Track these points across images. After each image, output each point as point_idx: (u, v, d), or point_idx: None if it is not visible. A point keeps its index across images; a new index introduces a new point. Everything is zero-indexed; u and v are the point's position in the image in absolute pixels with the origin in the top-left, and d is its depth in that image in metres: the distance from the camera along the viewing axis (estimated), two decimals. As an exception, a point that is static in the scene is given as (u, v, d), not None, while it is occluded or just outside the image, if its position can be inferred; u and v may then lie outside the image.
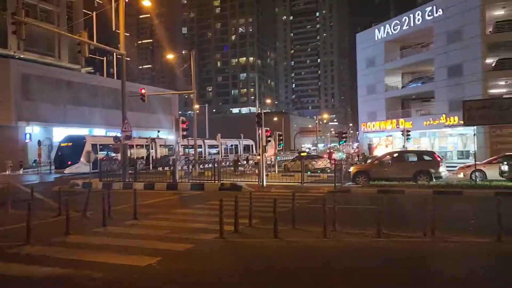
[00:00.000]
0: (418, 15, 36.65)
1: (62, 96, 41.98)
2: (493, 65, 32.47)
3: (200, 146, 47.42)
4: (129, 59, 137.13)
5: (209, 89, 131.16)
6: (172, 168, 19.20)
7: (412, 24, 37.35)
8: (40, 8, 46.27)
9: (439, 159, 17.31)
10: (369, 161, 24.13)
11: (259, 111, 20.88)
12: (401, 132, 34.82)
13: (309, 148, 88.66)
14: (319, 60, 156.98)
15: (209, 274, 5.68)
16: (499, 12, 32.78)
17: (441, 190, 14.15)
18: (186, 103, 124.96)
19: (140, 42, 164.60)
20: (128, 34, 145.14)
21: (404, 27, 38.18)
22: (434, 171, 16.94)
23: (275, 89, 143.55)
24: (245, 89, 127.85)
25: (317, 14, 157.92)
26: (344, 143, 36.20)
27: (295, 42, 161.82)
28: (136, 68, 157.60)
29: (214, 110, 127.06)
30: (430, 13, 35.46)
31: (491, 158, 20.18)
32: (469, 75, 32.38)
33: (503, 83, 33.55)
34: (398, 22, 38.91)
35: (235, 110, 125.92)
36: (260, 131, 17.45)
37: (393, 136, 39.69)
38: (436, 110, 35.79)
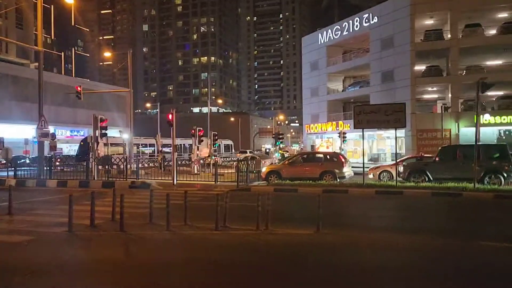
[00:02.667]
0: (356, 21, 38.13)
1: (7, 91, 40.97)
2: (422, 71, 34.31)
3: (153, 145, 47.38)
4: (88, 55, 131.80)
5: (170, 88, 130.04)
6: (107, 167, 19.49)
7: (351, 30, 38.82)
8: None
9: (343, 160, 18.31)
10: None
11: (168, 111, 21.10)
12: (338, 134, 36.26)
13: (269, 149, 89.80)
14: (282, 61, 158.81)
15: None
16: (428, 22, 34.69)
17: (330, 189, 15.07)
18: (146, 102, 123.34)
19: (100, 38, 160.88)
20: (87, 30, 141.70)
21: (344, 33, 39.61)
22: (338, 171, 17.94)
23: (237, 89, 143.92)
24: (206, 89, 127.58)
25: (281, 16, 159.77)
26: (281, 144, 37.15)
27: (258, 43, 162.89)
28: (96, 65, 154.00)
29: (175, 109, 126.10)
30: (366, 20, 36.99)
31: (399, 160, 21.51)
32: (400, 81, 34.08)
33: (430, 89, 35.51)
34: (339, 27, 40.32)
35: (196, 110, 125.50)
36: (171, 131, 17.77)
37: (333, 138, 41.07)
38: (371, 113, 37.32)
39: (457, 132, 31.88)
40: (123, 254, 6.75)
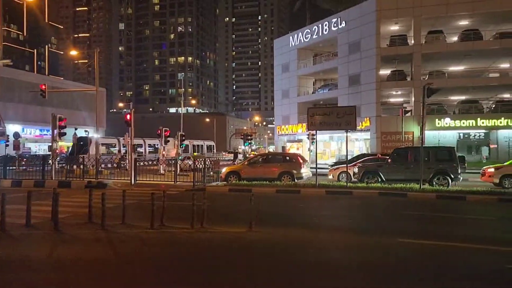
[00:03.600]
0: (325, 25, 38.84)
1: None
2: (387, 76, 35.25)
3: (140, 146, 47.05)
4: (62, 53, 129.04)
5: (146, 88, 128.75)
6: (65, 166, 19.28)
7: (320, 34, 39.51)
8: None
9: (301, 161, 18.72)
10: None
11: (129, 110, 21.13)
12: (307, 136, 36.82)
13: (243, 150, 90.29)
14: (259, 63, 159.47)
15: None
16: (394, 27, 35.68)
17: (284, 189, 15.44)
18: (122, 101, 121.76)
19: (76, 36, 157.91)
20: (61, 27, 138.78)
21: (314, 36, 40.27)
22: (296, 172, 18.35)
23: (214, 90, 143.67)
24: (182, 89, 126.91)
25: (259, 17, 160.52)
26: (249, 145, 37.42)
27: (236, 44, 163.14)
28: (71, 63, 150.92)
29: (150, 109, 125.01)
30: (335, 24, 37.74)
31: (357, 161, 22.10)
32: (366, 84, 34.91)
33: (395, 92, 36.52)
34: (309, 31, 40.97)
35: (173, 110, 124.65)
36: (129, 131, 17.80)
37: (303, 140, 41.64)
38: (339, 116, 38.09)
39: (419, 135, 32.83)
40: (45, 252, 6.81)
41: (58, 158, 33.79)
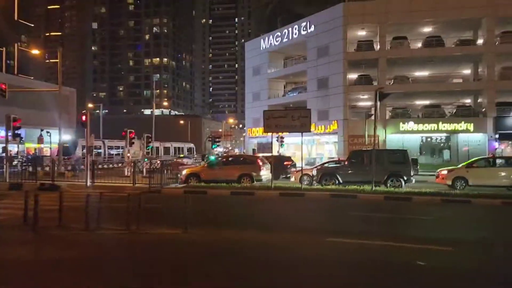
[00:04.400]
0: (295, 29, 39.30)
1: None
2: (354, 80, 35.95)
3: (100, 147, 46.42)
4: (31, 51, 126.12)
5: (121, 89, 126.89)
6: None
7: (290, 37, 39.94)
8: None
9: (260, 163, 18.89)
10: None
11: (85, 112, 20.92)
12: (276, 139, 37.08)
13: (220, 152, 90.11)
14: (236, 65, 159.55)
15: None
16: (361, 33, 36.42)
17: (239, 191, 15.57)
18: (95, 102, 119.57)
19: (47, 34, 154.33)
20: (32, 25, 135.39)
21: (284, 40, 40.68)
22: (255, 174, 18.52)
23: (190, 91, 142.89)
24: (158, 91, 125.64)
25: (236, 20, 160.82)
26: (217, 147, 37.46)
27: (213, 46, 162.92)
28: (44, 62, 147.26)
29: (125, 111, 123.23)
30: (304, 28, 38.23)
31: (318, 164, 22.46)
32: (333, 88, 35.49)
33: (363, 96, 37.23)
34: (279, 34, 41.36)
35: (148, 111, 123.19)
36: (86, 132, 17.57)
37: (273, 142, 41.84)
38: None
39: (384, 138, 33.62)
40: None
41: (21, 160, 33.07)
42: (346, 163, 18.50)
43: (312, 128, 37.24)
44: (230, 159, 20.86)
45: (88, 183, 17.00)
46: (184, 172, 19.32)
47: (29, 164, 28.09)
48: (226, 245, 7.51)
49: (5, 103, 49.88)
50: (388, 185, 17.43)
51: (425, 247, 7.33)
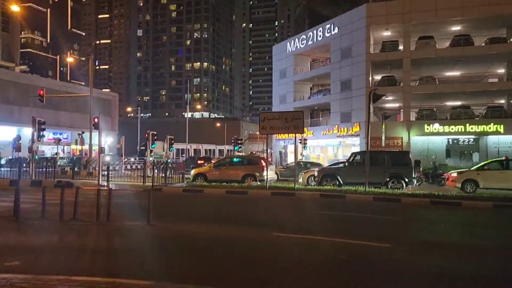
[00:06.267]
0: (319, 31, 39.35)
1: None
2: (377, 81, 35.45)
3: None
4: (83, 58, 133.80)
5: (163, 93, 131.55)
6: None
7: (315, 40, 40.04)
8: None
9: (264, 164, 19.39)
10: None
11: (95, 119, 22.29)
12: (299, 141, 37.36)
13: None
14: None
15: None
16: (386, 33, 35.84)
17: (234, 190, 16.18)
18: (139, 106, 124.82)
19: (98, 42, 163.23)
20: (84, 34, 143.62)
21: (309, 42, 40.83)
22: (258, 175, 19.07)
23: (230, 95, 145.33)
24: (198, 94, 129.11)
25: (276, 23, 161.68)
26: (240, 149, 38.17)
27: (253, 50, 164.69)
28: (93, 68, 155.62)
29: (167, 114, 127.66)
30: (328, 31, 38.21)
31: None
32: (356, 90, 35.19)
33: (388, 98, 36.53)
34: (305, 37, 41.55)
35: (188, 115, 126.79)
36: (99, 134, 18.91)
37: (297, 144, 42.08)
38: (331, 121, 38.51)
39: (408, 140, 32.91)
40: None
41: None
42: (346, 164, 18.57)
43: (335, 130, 37.34)
44: (235, 160, 21.51)
45: (101, 182, 18.28)
46: (192, 172, 20.24)
47: (70, 164, 30.29)
48: (177, 235, 8.18)
49: (54, 108, 53.71)
50: (389, 186, 17.37)
51: (365, 243, 7.57)
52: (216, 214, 11.42)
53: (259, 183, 18.70)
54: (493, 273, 5.99)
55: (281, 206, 13.31)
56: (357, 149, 39.43)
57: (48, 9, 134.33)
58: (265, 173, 19.16)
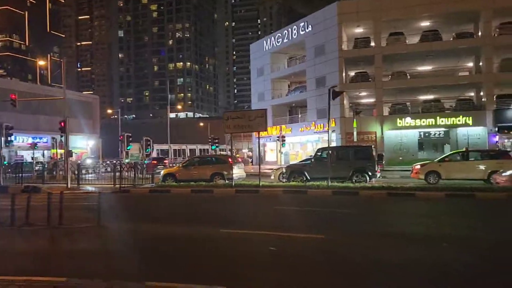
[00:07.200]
0: (294, 29, 39.82)
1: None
2: (351, 77, 36.07)
3: None
4: (62, 60, 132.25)
5: (146, 94, 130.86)
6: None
7: (290, 38, 40.50)
8: None
9: (232, 163, 19.70)
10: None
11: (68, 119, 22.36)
12: (277, 138, 37.87)
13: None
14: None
15: None
16: (358, 30, 36.48)
17: (200, 189, 16.47)
18: (122, 108, 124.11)
19: (79, 44, 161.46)
20: (64, 36, 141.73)
21: (285, 40, 41.27)
22: (226, 173, 19.37)
23: (214, 94, 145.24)
24: (182, 94, 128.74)
25: (259, 21, 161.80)
26: (217, 148, 38.41)
27: (237, 48, 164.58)
28: (74, 70, 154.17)
29: (151, 115, 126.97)
30: (303, 29, 38.69)
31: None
32: (330, 86, 35.62)
33: (361, 94, 37.26)
34: (280, 35, 41.99)
35: (172, 115, 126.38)
36: (65, 138, 19.01)
37: (277, 142, 42.54)
38: (308, 118, 39.03)
39: (381, 134, 33.59)
40: None
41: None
42: (312, 160, 19.00)
43: (312, 127, 37.86)
44: (203, 159, 21.80)
45: (69, 185, 18.40)
46: (162, 172, 20.47)
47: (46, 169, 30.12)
48: (124, 235, 8.47)
49: (32, 112, 53.13)
50: (354, 180, 17.84)
51: (300, 236, 7.94)
52: (172, 213, 11.72)
53: (227, 181, 19.02)
54: (422, 259, 6.31)
55: (240, 203, 13.67)
56: (334, 144, 40.15)
57: (26, 12, 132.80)
58: (234, 171, 19.49)
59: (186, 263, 6.29)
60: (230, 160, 19.86)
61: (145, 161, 30.49)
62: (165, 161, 26.70)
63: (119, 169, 18.68)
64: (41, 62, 59.45)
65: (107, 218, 10.09)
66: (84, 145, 58.44)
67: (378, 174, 18.15)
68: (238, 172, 19.80)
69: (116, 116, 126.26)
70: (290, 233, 8.10)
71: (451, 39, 33.75)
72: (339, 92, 17.83)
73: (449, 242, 7.30)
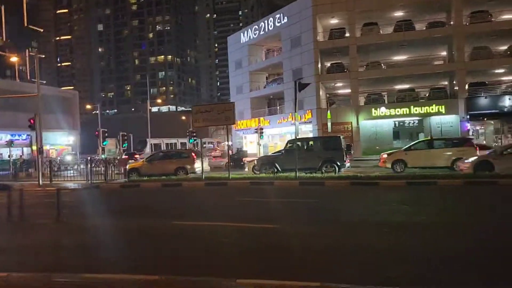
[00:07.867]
0: (270, 21, 39.86)
1: None
2: (327, 68, 36.36)
3: None
4: (43, 56, 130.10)
5: (128, 88, 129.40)
6: None
7: (267, 30, 40.52)
8: None
9: (195, 157, 19.85)
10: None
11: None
12: (255, 130, 38.04)
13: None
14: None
15: None
16: (333, 21, 36.69)
17: (169, 183, 16.62)
18: (104, 102, 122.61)
19: (58, 38, 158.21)
20: (42, 30, 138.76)
21: (261, 32, 41.28)
22: (189, 167, 19.67)
23: (196, 87, 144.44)
24: (164, 88, 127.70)
25: (240, 13, 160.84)
26: (194, 141, 38.36)
27: (219, 40, 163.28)
28: (54, 66, 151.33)
29: (133, 109, 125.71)
30: (279, 20, 38.75)
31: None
32: (307, 78, 35.82)
33: (337, 84, 37.61)
34: (257, 27, 41.97)
35: (155, 109, 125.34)
36: (36, 135, 18.86)
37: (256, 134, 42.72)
38: (285, 109, 39.27)
39: (357, 124, 34.05)
40: None
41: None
42: (283, 151, 19.26)
43: (290, 118, 38.09)
44: (167, 154, 21.97)
45: (41, 182, 18.31)
46: (127, 167, 20.53)
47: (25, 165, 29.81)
48: (81, 229, 8.60)
49: (11, 109, 52.23)
50: (323, 171, 18.16)
51: (255, 226, 8.17)
52: (135, 207, 11.86)
53: (190, 174, 19.20)
54: (366, 243, 6.59)
55: (205, 196, 13.87)
56: (311, 135, 40.55)
57: (2, 6, 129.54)
58: (196, 165, 19.63)
59: (127, 256, 6.44)
60: (193, 154, 20.01)
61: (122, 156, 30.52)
62: (135, 156, 26.70)
63: (90, 165, 18.68)
64: (14, 59, 57.70)
65: (68, 214, 10.20)
66: (65, 141, 57.79)
67: (347, 164, 18.49)
68: (198, 166, 19.77)
69: (97, 112, 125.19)
70: (245, 224, 8.31)
71: (424, 28, 34.21)
72: (306, 84, 18.04)
73: (391, 228, 7.61)
